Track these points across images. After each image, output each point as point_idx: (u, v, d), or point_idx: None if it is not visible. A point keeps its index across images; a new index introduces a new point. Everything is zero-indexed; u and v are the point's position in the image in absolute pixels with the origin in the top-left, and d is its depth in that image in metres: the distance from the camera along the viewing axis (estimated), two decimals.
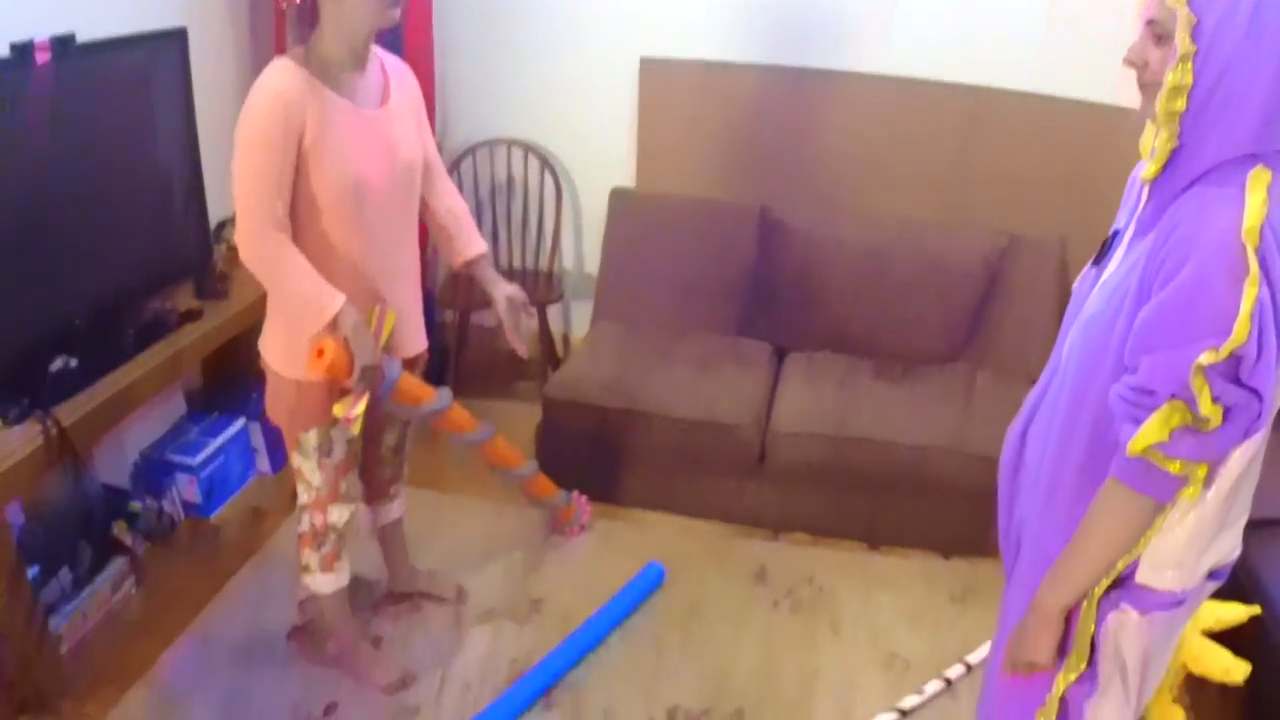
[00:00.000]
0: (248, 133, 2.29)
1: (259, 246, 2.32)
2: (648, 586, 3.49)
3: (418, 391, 2.79)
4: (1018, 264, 4.06)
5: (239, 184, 2.31)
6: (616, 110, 4.52)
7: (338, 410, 2.52)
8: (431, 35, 4.26)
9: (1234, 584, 2.75)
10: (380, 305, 2.54)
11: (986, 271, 4.01)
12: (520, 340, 2.92)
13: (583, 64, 4.48)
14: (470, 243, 2.88)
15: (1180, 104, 1.53)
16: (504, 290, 2.87)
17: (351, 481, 2.82)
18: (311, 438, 2.67)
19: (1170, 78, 1.52)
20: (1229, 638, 2.65)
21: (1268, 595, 2.77)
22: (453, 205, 2.85)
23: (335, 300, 2.36)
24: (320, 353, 2.38)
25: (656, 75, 4.40)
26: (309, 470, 2.73)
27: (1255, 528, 2.87)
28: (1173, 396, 1.53)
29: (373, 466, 3.07)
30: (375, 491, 3.14)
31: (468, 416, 3.10)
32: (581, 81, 4.52)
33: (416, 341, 2.83)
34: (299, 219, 2.41)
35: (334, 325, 2.38)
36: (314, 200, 2.38)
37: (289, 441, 2.73)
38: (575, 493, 3.79)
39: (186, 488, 3.81)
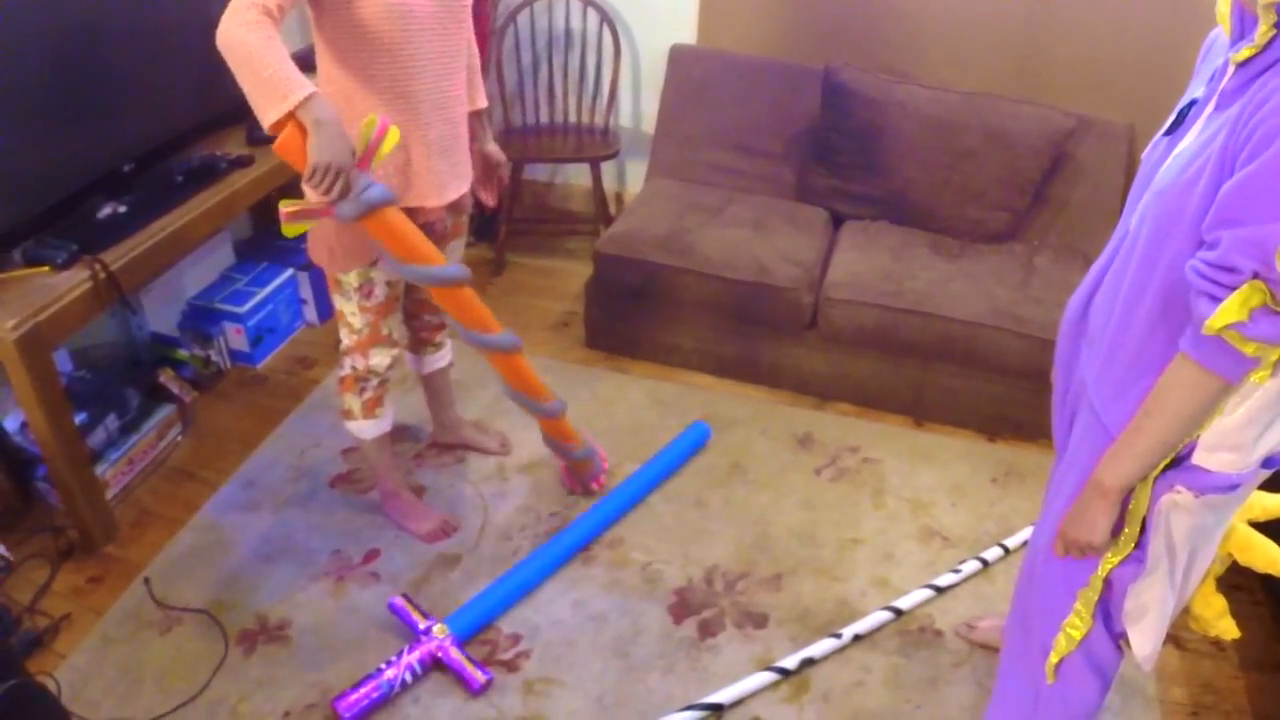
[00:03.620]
0: None
1: (236, 21, 2.13)
2: (693, 444, 3.49)
3: (416, 241, 2.49)
4: (1085, 146, 3.96)
5: None
6: None
7: (286, 229, 2.36)
8: None
9: (1275, 482, 2.72)
10: (382, 119, 2.32)
11: (1052, 150, 3.89)
12: (487, 193, 3.01)
13: None
14: (473, 96, 2.83)
15: None
16: (487, 147, 2.94)
17: (394, 325, 2.81)
18: (351, 278, 2.66)
19: None
20: (1269, 533, 2.62)
21: None
22: (471, 50, 2.77)
23: (302, 89, 2.15)
24: (278, 131, 2.19)
25: None
26: (350, 312, 2.73)
27: None
28: (1255, 275, 1.47)
29: (417, 312, 3.07)
30: (420, 339, 3.14)
31: (485, 311, 2.76)
32: None
33: (459, 184, 2.74)
34: (343, 49, 2.36)
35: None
36: (358, 28, 2.32)
37: (330, 282, 2.72)
38: (598, 448, 3.40)
39: (234, 336, 3.84)
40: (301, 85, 2.15)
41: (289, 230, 2.35)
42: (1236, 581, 2.71)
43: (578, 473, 3.31)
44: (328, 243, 2.61)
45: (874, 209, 4.08)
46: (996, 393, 3.62)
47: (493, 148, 2.96)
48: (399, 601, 2.80)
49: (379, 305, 2.72)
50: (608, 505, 3.20)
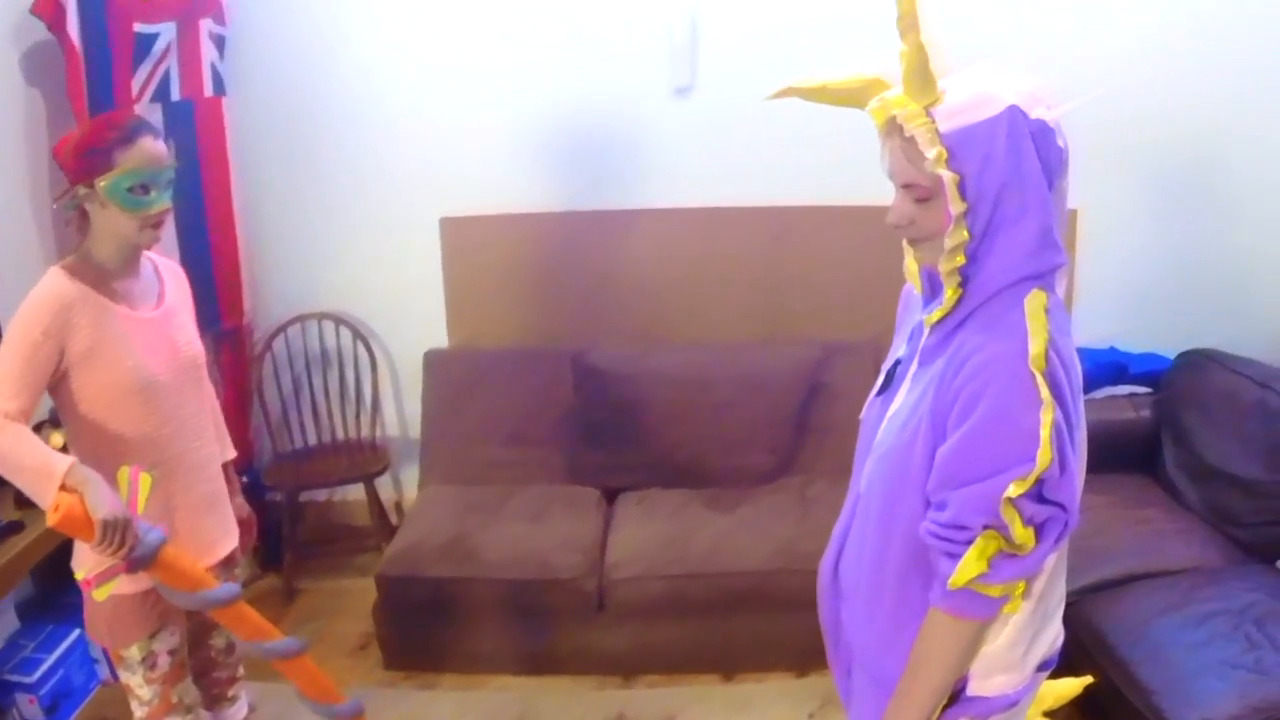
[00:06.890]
0: (11, 329, 2.27)
1: None
2: None
3: (191, 571, 2.44)
4: (835, 369, 4.16)
5: None
6: (422, 273, 4.56)
7: (98, 595, 2.36)
8: (234, 216, 4.28)
9: (1081, 648, 2.84)
10: (133, 468, 2.35)
11: (805, 382, 4.10)
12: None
13: (384, 231, 4.53)
14: (221, 448, 2.85)
15: (961, 259, 1.59)
16: (234, 500, 2.90)
17: (185, 690, 2.72)
18: (134, 652, 2.58)
19: (949, 240, 1.58)
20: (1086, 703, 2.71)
21: (1115, 656, 2.87)
22: (212, 403, 2.82)
23: (63, 462, 2.21)
24: (57, 508, 2.19)
25: (457, 233, 4.48)
26: (137, 685, 2.64)
27: (1097, 590, 2.99)
28: (986, 527, 1.58)
29: (206, 670, 2.96)
30: (213, 696, 3.02)
31: (263, 622, 2.67)
32: (385, 249, 4.56)
33: (229, 539, 2.76)
34: (93, 424, 2.39)
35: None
36: (93, 406, 2.37)
37: (113, 658, 2.64)
38: None
39: (27, 707, 3.65)
40: (62, 459, 2.20)
41: (101, 594, 2.34)
42: None
43: None
44: (106, 620, 2.55)
45: (646, 477, 4.18)
46: (798, 629, 3.57)
47: (239, 502, 2.94)
48: None
49: (165, 674, 2.64)
50: None
